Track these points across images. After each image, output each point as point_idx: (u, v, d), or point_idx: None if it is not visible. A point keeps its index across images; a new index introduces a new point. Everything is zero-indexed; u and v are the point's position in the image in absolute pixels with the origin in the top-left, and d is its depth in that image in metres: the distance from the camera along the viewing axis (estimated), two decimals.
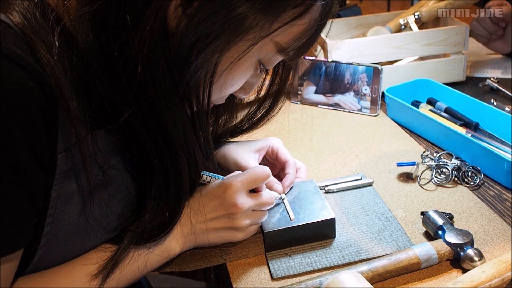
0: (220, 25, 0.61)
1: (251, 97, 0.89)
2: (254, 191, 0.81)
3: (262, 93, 0.89)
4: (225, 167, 0.93)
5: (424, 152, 1.06)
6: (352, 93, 1.29)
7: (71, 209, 0.66)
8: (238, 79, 0.71)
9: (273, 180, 0.88)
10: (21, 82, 0.56)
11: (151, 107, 0.65)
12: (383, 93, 1.25)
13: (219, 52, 0.64)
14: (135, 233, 0.72)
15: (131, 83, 0.63)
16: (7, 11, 0.58)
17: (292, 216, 0.83)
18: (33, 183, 0.60)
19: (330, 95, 1.32)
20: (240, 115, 0.94)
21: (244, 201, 0.78)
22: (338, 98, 1.31)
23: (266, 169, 0.81)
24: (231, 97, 0.84)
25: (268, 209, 0.83)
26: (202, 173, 0.79)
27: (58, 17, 0.63)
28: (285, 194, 0.89)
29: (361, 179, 0.99)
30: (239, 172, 0.82)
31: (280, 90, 0.87)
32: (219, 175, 0.81)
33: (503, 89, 1.34)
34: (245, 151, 0.93)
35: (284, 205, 0.86)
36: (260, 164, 0.93)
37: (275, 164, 0.97)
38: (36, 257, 0.65)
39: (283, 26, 0.65)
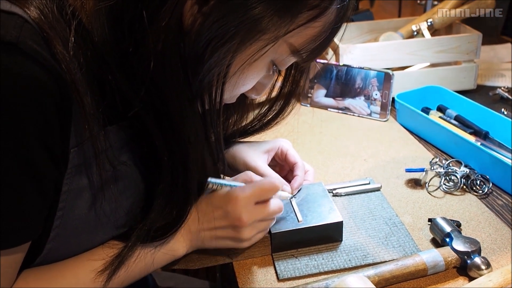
0: (235, 25, 0.61)
1: (263, 97, 0.89)
2: None
3: (274, 94, 0.89)
4: (234, 167, 0.94)
5: (433, 159, 1.05)
6: (362, 98, 1.29)
7: (81, 203, 0.66)
8: (250, 79, 0.71)
9: (281, 181, 0.89)
10: (37, 76, 0.56)
11: (163, 104, 0.65)
12: (393, 98, 1.25)
13: (233, 52, 0.64)
14: (142, 231, 0.72)
15: (144, 79, 0.63)
16: (25, 5, 0.59)
17: (300, 218, 0.83)
18: (44, 177, 0.60)
19: (340, 99, 1.32)
20: (251, 116, 0.94)
21: (250, 215, 0.77)
22: (348, 102, 1.31)
23: (274, 182, 0.80)
24: (242, 97, 0.84)
25: None
26: (209, 180, 0.78)
27: (75, 12, 0.63)
28: (294, 196, 0.89)
29: (369, 183, 0.99)
30: (249, 174, 0.82)
31: (292, 92, 0.87)
32: (226, 182, 0.80)
33: None
34: (254, 152, 0.93)
35: (292, 207, 0.86)
36: (269, 165, 0.93)
37: (283, 166, 0.97)
38: (45, 251, 0.66)
39: (297, 28, 0.65)
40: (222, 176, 0.84)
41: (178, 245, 0.78)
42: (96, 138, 0.63)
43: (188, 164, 0.70)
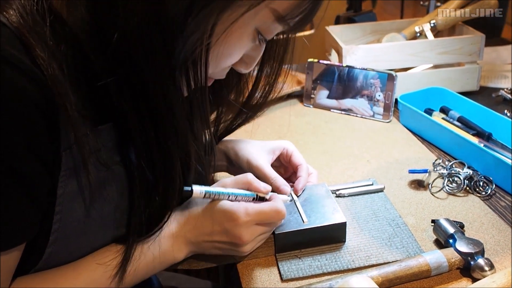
0: None
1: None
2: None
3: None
4: (237, 164, 0.94)
5: (436, 160, 1.06)
6: (365, 99, 1.30)
7: (78, 206, 0.65)
8: (235, 49, 0.67)
9: (281, 181, 0.88)
10: (17, 83, 0.55)
11: (142, 82, 0.63)
12: (396, 99, 1.25)
13: (214, 17, 0.61)
14: (133, 224, 0.71)
15: (122, 57, 0.61)
16: (4, 9, 0.58)
17: (305, 219, 0.83)
18: (33, 182, 0.59)
19: (343, 100, 1.32)
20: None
21: (250, 235, 0.77)
22: (351, 103, 1.31)
23: (280, 210, 0.78)
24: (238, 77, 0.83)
25: None
26: (205, 191, 0.76)
27: (53, 8, 0.62)
28: (298, 196, 0.89)
29: (372, 184, 0.99)
30: (249, 178, 0.80)
31: (269, 89, 0.85)
32: (224, 190, 0.78)
33: None
34: (258, 151, 0.93)
35: (297, 207, 0.86)
36: (272, 165, 0.93)
37: (287, 167, 0.97)
38: (46, 255, 0.65)
39: None
40: (212, 175, 0.82)
41: (177, 252, 0.77)
42: (83, 140, 0.62)
43: (168, 147, 0.68)
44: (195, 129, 0.70)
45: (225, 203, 0.77)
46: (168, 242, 0.76)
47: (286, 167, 0.97)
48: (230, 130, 0.94)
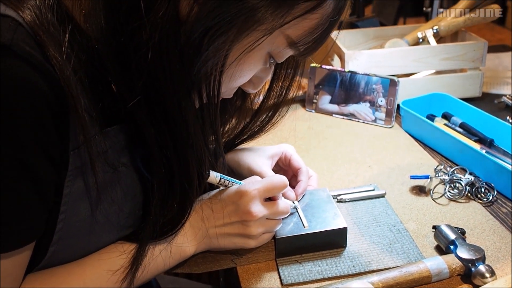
0: (231, 15, 0.60)
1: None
2: (270, 199, 0.81)
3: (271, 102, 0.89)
4: (238, 172, 0.94)
5: (437, 166, 1.06)
6: (367, 104, 1.30)
7: (83, 206, 0.66)
8: (247, 71, 0.70)
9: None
10: (30, 78, 0.56)
11: (159, 96, 0.64)
12: (398, 105, 1.25)
13: (230, 42, 0.63)
14: (149, 228, 0.72)
15: (141, 72, 0.62)
16: (19, 8, 0.59)
17: (305, 224, 0.83)
18: (42, 178, 0.60)
19: (345, 105, 1.32)
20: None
21: (259, 209, 0.78)
22: (353, 108, 1.32)
23: (283, 179, 0.81)
24: (238, 101, 0.84)
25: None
26: (220, 176, 0.79)
27: (69, 13, 0.63)
28: (298, 201, 0.89)
29: (373, 190, 0.99)
30: (257, 178, 0.83)
31: (279, 102, 0.88)
32: (236, 180, 0.81)
33: None
34: (259, 157, 0.94)
35: (297, 212, 0.86)
36: (272, 170, 0.93)
37: (287, 171, 0.97)
38: (48, 254, 0.66)
39: (294, 20, 0.64)
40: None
41: (186, 246, 0.78)
42: (91, 141, 0.63)
43: (186, 157, 0.69)
44: (207, 140, 0.73)
45: (233, 187, 0.80)
46: (177, 235, 0.76)
47: (285, 171, 0.97)
48: (239, 142, 0.95)
